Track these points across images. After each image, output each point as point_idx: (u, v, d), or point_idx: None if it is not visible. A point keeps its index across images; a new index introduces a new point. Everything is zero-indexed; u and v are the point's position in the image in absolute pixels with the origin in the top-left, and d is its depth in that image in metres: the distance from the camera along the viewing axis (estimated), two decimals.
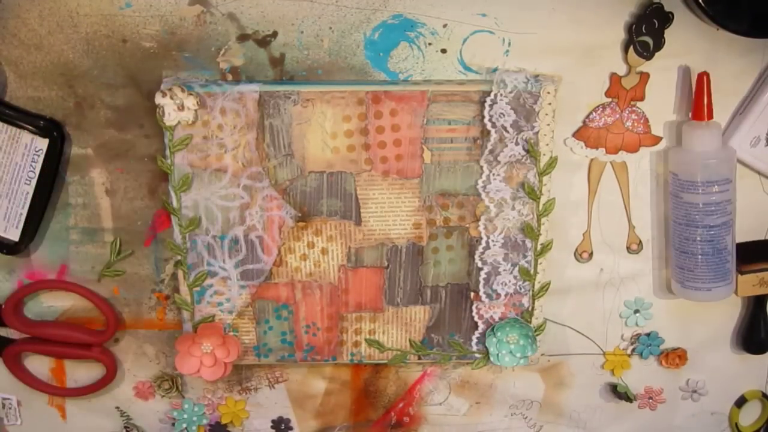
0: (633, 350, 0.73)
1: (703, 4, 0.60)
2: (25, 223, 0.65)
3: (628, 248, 0.70)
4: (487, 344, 0.69)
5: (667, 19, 0.62)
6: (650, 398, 0.75)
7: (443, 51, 0.63)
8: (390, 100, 0.62)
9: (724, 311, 0.73)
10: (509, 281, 0.67)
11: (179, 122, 0.62)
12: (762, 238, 0.71)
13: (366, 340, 0.69)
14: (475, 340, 0.69)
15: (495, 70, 0.63)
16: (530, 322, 0.69)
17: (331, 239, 0.66)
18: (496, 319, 0.69)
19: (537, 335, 0.69)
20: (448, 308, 0.69)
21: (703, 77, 0.63)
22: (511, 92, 0.62)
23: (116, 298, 0.69)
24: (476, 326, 0.69)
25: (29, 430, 0.74)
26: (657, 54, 0.63)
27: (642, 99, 0.65)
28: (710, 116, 0.64)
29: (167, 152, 0.63)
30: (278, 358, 0.70)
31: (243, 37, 0.62)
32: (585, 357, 0.73)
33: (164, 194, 0.65)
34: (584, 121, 0.66)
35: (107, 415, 0.73)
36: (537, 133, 0.63)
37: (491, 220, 0.66)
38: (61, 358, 0.71)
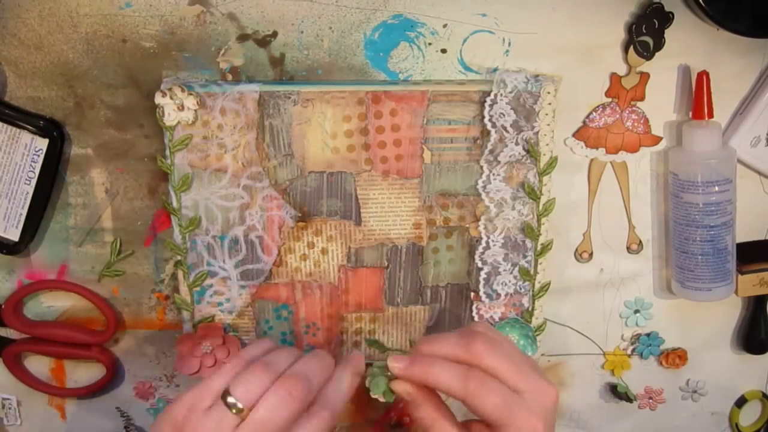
0: (633, 350, 0.73)
1: (703, 4, 0.60)
2: (25, 223, 0.65)
3: (628, 248, 0.70)
4: None
5: (667, 19, 0.62)
6: (650, 398, 0.75)
7: (443, 51, 0.63)
8: (390, 100, 0.62)
9: (724, 311, 0.73)
10: (509, 281, 0.68)
11: (179, 122, 0.62)
12: (762, 238, 0.71)
13: (366, 340, 0.69)
14: None
15: (495, 70, 0.63)
16: (530, 322, 0.69)
17: (331, 239, 0.66)
18: (496, 319, 0.69)
19: (537, 335, 0.69)
20: (448, 308, 0.69)
21: (703, 76, 0.63)
22: (511, 92, 0.62)
23: (116, 298, 0.69)
24: None
25: (29, 430, 0.74)
26: (657, 54, 0.63)
27: (642, 99, 0.65)
28: (710, 115, 0.64)
29: (167, 152, 0.63)
30: None
31: (243, 37, 0.62)
32: (585, 357, 0.73)
33: (164, 194, 0.65)
34: (584, 121, 0.66)
35: (107, 415, 0.73)
36: (537, 133, 0.63)
37: (491, 220, 0.66)
38: (61, 358, 0.71)
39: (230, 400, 0.48)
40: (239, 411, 0.48)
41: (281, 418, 0.48)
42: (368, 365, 0.56)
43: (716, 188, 0.65)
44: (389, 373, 0.54)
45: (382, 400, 0.55)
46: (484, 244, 0.66)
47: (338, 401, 0.51)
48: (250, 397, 0.48)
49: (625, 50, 0.63)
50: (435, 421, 0.53)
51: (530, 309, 0.69)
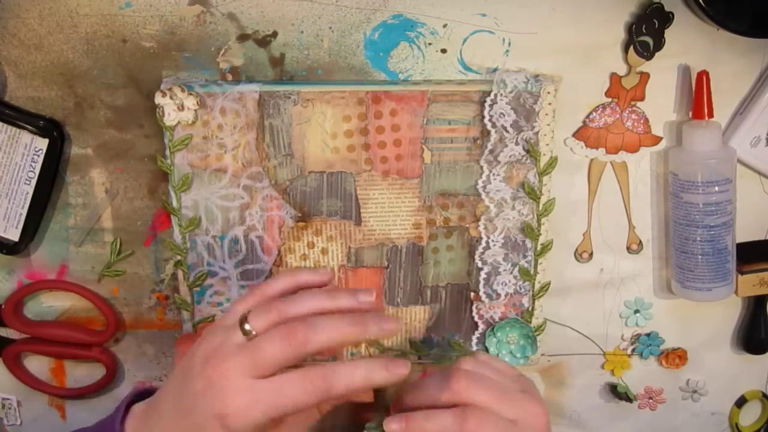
0: (633, 350, 0.73)
1: (703, 4, 0.60)
2: (25, 223, 0.65)
3: (628, 248, 0.70)
4: (487, 344, 0.69)
5: (667, 19, 0.62)
6: (650, 398, 0.75)
7: (443, 51, 0.63)
8: (390, 100, 0.62)
9: (724, 311, 0.73)
10: (509, 281, 0.68)
11: (179, 122, 0.62)
12: (762, 238, 0.71)
13: (366, 340, 0.69)
14: (475, 340, 0.69)
15: (495, 70, 0.63)
16: (530, 322, 0.69)
17: (331, 239, 0.66)
18: (496, 319, 0.69)
19: (537, 335, 0.69)
20: (448, 308, 0.69)
21: (703, 76, 0.63)
22: (511, 92, 0.62)
23: (116, 298, 0.69)
24: (476, 326, 0.69)
25: (29, 430, 0.74)
26: (657, 54, 0.63)
27: (642, 99, 0.65)
28: (710, 115, 0.64)
29: (167, 152, 0.63)
30: None
31: (243, 37, 0.62)
32: (585, 357, 0.73)
33: (164, 194, 0.65)
34: (584, 121, 0.66)
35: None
36: (537, 133, 0.63)
37: (491, 220, 0.66)
38: (61, 358, 0.71)
39: (246, 326, 0.51)
40: (247, 333, 0.51)
41: (272, 353, 0.50)
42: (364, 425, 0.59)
43: (716, 188, 0.65)
44: None
45: None
46: (484, 244, 0.66)
47: (341, 383, 0.50)
48: (260, 326, 0.52)
49: (625, 50, 0.63)
50: None
51: (530, 309, 0.69)
